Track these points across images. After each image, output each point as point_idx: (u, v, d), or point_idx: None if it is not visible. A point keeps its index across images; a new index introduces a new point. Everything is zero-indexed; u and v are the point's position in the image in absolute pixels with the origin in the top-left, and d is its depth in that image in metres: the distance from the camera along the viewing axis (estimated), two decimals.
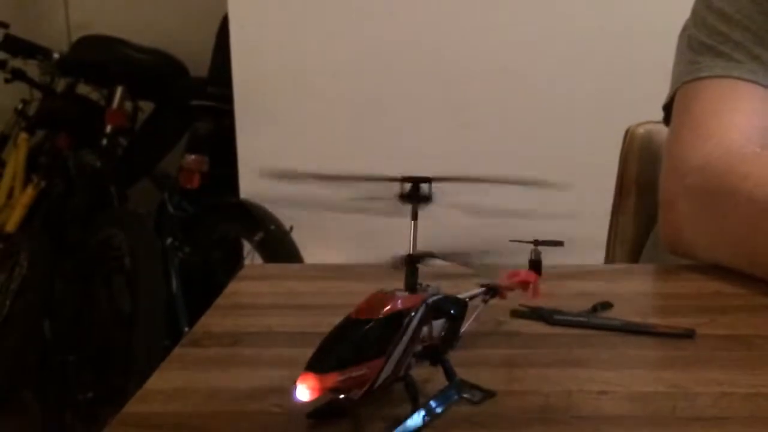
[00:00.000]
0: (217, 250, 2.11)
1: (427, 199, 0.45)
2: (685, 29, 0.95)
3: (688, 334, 0.58)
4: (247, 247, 1.94)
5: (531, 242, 0.52)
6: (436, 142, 1.91)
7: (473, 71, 1.92)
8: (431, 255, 0.45)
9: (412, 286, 0.44)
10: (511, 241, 0.53)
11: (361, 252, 1.99)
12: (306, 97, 1.96)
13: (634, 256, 1.26)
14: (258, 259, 1.87)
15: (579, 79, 1.88)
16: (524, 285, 0.55)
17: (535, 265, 0.54)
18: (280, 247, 1.82)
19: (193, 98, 2.13)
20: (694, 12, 0.92)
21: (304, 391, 0.39)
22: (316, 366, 0.39)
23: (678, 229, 0.83)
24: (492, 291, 0.53)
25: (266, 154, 1.99)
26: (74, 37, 2.49)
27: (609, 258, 1.28)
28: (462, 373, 0.48)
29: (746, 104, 0.84)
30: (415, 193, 0.45)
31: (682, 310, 0.66)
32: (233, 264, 2.02)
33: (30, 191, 2.33)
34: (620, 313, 0.63)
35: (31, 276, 2.17)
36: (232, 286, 0.73)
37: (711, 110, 0.84)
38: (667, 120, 0.94)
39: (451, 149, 1.89)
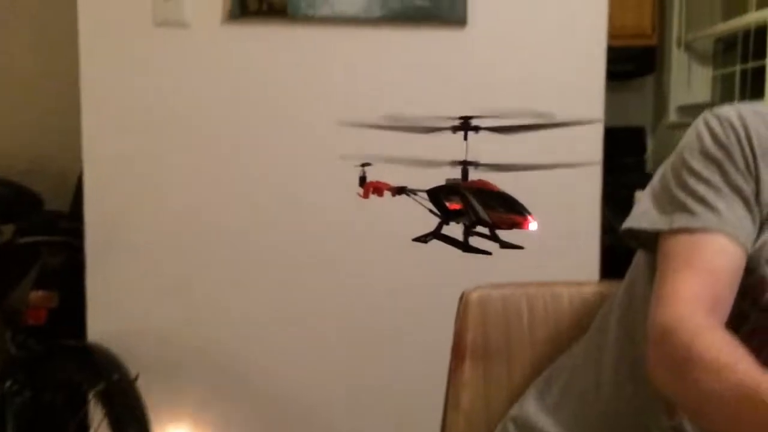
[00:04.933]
0: (63, 392, 1.98)
1: (476, 128, 0.65)
2: (657, 178, 1.03)
3: None
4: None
5: (360, 165, 0.75)
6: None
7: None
8: (479, 163, 0.66)
9: (465, 178, 0.67)
10: (341, 157, 0.71)
11: (208, 397, 1.91)
12: (160, 235, 1.91)
13: (471, 422, 1.25)
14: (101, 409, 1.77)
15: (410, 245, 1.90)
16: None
17: (362, 180, 0.77)
18: (121, 399, 1.73)
19: (43, 233, 2.05)
20: (674, 168, 1.00)
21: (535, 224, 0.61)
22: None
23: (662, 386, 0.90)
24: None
25: (117, 292, 1.91)
26: None
27: (445, 426, 1.27)
28: None
29: (707, 257, 0.92)
30: (466, 126, 0.66)
31: None
32: (80, 407, 1.90)
33: None
34: None
35: None
36: None
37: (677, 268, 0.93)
38: (630, 240, 1.03)
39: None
